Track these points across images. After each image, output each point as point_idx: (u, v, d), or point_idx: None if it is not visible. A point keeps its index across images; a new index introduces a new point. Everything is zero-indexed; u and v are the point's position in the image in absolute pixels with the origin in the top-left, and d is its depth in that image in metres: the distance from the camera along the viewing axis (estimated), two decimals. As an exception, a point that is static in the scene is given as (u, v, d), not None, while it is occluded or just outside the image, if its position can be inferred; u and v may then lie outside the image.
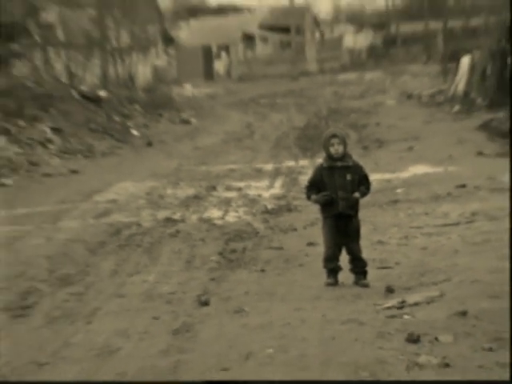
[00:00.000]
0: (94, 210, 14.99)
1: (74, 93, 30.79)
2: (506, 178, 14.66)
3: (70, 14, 36.21)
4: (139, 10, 39.37)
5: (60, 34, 36.32)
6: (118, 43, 38.34)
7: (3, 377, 6.79)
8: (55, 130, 25.24)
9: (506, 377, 6.05)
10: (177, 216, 14.02)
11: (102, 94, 32.54)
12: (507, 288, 7.76)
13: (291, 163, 20.68)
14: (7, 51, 32.39)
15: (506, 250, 9.20)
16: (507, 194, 12.99)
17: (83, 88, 32.41)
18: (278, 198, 15.68)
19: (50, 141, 24.24)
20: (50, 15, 35.86)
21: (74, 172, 20.70)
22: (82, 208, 15.20)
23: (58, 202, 15.89)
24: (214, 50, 62.83)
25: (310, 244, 11.00)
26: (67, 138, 25.06)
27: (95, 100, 30.99)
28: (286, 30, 66.50)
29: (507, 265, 8.57)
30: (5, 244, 12.17)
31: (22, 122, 24.67)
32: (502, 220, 11.40)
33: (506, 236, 9.91)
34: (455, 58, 35.22)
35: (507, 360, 6.30)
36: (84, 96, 30.85)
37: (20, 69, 32.40)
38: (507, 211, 11.58)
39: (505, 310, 7.24)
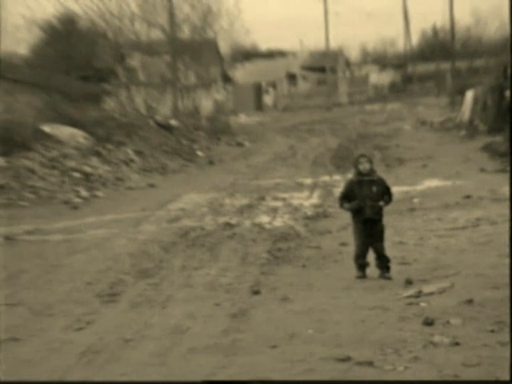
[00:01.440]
0: (167, 216, 15.04)
1: (151, 122, 31.03)
2: (505, 190, 14.52)
3: (149, 60, 36.55)
4: (203, 55, 39.51)
5: (141, 75, 36.68)
6: (186, 82, 38.56)
7: (98, 350, 6.85)
8: (136, 152, 25.44)
9: (505, 353, 5.95)
10: (233, 221, 13.98)
11: (173, 122, 32.72)
12: (506, 280, 7.66)
13: (326, 178, 20.57)
14: (100, 90, 32.85)
15: (505, 249, 9.10)
16: (505, 203, 12.86)
17: (158, 118, 32.63)
18: (315, 206, 15.60)
19: (132, 160, 24.44)
20: (134, 61, 36.27)
21: (151, 186, 20.82)
22: (158, 215, 15.26)
23: (139, 210, 15.98)
24: (264, 86, 62.83)
25: (343, 244, 10.93)
26: (146, 158, 25.25)
27: (167, 127, 31.17)
28: (322, 69, 66.39)
29: (506, 261, 8.47)
30: (97, 244, 12.28)
31: (110, 146, 24.92)
32: (501, 224, 11.30)
33: (505, 237, 9.78)
34: (461, 92, 34.99)
35: (507, 339, 6.22)
36: (159, 124, 31.07)
37: (109, 104, 32.82)
38: (506, 217, 11.45)
39: (504, 298, 7.16)
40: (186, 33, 37.42)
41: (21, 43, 32.64)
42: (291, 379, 5.84)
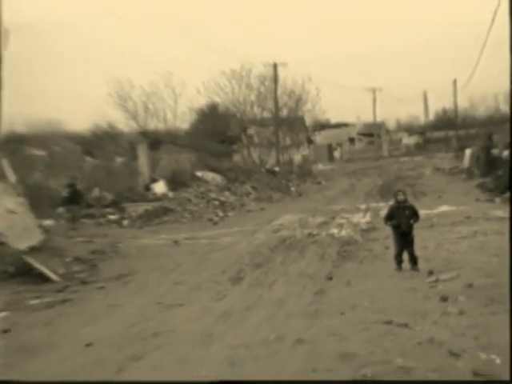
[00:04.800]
0: (271, 228, 15.08)
1: (262, 169, 31.29)
2: (492, 213, 14.07)
3: (261, 130, 36.96)
4: (295, 126, 39.67)
5: (256, 139, 37.15)
6: (284, 143, 38.76)
7: (230, 314, 6.92)
8: (253, 188, 25.68)
9: (495, 320, 5.70)
10: (315, 232, 13.88)
11: (276, 169, 32.84)
12: (496, 271, 7.39)
13: (375, 204, 20.12)
14: (230, 149, 33.58)
15: (494, 251, 8.89)
16: (493, 222, 12.54)
17: (267, 166, 32.89)
18: (368, 223, 15.30)
19: (250, 193, 24.70)
20: (252, 131, 36.84)
21: (262, 209, 20.97)
22: (266, 228, 15.34)
23: (254, 225, 16.12)
24: (333, 145, 62.43)
25: (387, 248, 10.68)
26: (259, 192, 25.44)
27: (273, 172, 31.32)
28: (371, 135, 65.68)
29: (495, 259, 8.24)
30: (227, 246, 12.48)
31: (237, 184, 25.28)
32: (490, 235, 10.90)
33: (494, 244, 9.50)
34: (462, 150, 34.32)
35: (496, 310, 6.00)
36: (267, 170, 31.27)
37: (236, 158, 33.41)
38: (493, 230, 11.15)
39: (494, 284, 6.94)
40: (284, 112, 37.68)
41: (184, 122, 33.80)
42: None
